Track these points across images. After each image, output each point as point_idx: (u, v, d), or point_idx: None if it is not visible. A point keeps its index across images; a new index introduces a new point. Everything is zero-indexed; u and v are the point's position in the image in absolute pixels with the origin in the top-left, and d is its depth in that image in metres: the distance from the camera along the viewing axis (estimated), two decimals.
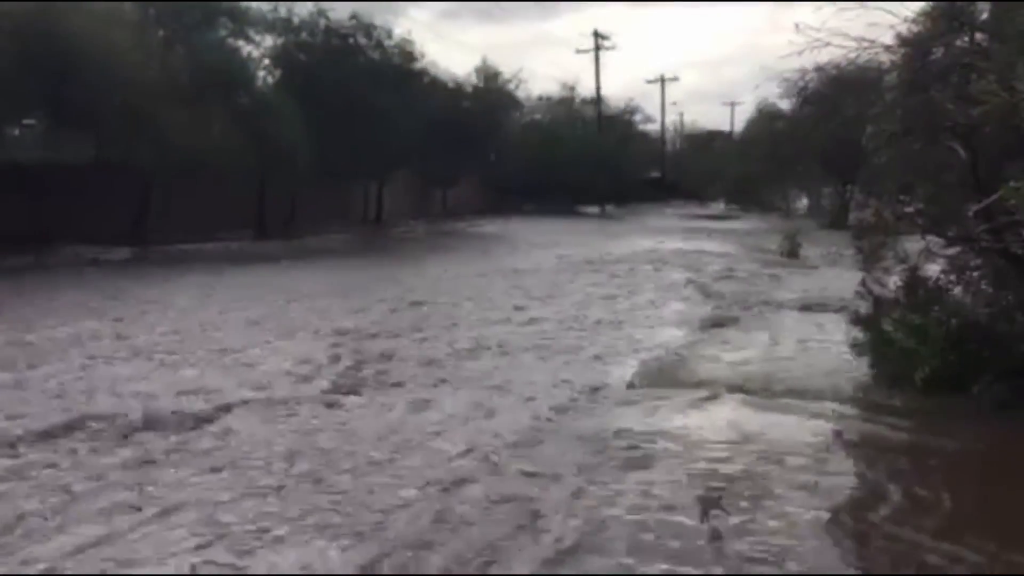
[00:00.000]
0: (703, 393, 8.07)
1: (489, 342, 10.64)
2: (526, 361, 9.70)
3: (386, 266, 21.19)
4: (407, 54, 34.25)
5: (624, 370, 9.13)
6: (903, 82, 8.64)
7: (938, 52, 8.49)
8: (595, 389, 8.32)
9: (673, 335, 11.24)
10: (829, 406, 7.57)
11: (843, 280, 12.96)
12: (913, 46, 8.60)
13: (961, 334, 7.59)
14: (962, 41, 8.37)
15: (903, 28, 8.63)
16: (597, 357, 9.91)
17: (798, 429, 6.94)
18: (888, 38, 8.79)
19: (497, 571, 4.44)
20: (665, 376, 8.89)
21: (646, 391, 8.26)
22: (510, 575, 4.27)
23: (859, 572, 4.13)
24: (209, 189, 26.33)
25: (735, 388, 8.22)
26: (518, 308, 13.52)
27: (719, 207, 53.34)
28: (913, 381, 7.62)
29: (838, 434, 6.84)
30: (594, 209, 51.01)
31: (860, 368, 8.56)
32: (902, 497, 5.53)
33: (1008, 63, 6.92)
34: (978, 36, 8.26)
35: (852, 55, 8.91)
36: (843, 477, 5.85)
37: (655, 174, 66.06)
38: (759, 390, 8.16)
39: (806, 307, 13.33)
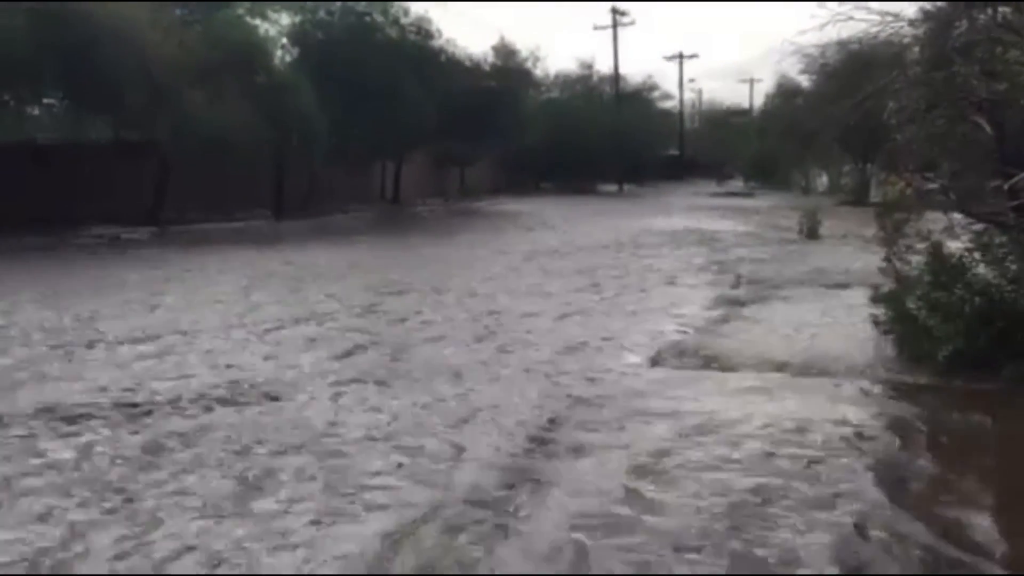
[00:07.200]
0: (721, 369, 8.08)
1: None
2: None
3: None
4: (424, 32, 34.06)
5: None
6: (927, 57, 8.54)
7: (962, 26, 8.37)
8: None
9: (694, 313, 11.20)
10: (853, 384, 7.53)
11: (865, 259, 12.87)
12: (937, 19, 8.50)
13: (986, 312, 7.52)
14: (986, 14, 8.24)
15: (927, 2, 8.55)
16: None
17: (822, 406, 6.90)
18: (912, 11, 8.71)
19: None
20: (685, 355, 8.84)
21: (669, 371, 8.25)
22: (516, 575, 4.23)
23: (857, 572, 4.11)
24: (227, 168, 26.36)
25: (757, 365, 8.21)
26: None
27: (738, 184, 52.94)
28: (937, 359, 7.56)
29: (865, 412, 6.78)
30: (612, 187, 50.84)
31: (884, 347, 8.52)
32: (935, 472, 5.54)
33: None
34: (1002, 9, 8.14)
35: (875, 29, 8.84)
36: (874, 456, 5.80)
37: (673, 152, 65.83)
38: (782, 367, 8.14)
39: (826, 285, 13.23)
